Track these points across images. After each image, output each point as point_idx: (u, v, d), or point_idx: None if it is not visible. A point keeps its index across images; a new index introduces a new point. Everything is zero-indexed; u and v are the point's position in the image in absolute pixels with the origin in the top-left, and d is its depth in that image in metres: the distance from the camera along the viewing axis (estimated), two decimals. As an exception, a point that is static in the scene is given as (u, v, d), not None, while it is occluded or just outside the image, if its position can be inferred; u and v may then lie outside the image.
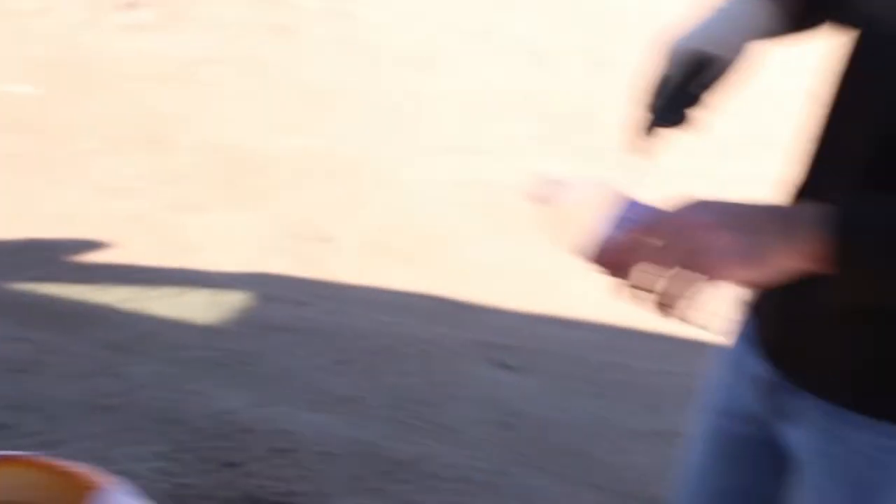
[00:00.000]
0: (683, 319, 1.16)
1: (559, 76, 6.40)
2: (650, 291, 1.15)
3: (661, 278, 1.14)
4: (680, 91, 1.41)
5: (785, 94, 5.40)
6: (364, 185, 4.63)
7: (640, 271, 1.14)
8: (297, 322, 3.71)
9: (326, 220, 4.39)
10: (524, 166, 5.10)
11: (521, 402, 3.43)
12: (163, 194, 4.38)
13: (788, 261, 1.13)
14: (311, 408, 3.28)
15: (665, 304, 1.14)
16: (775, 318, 1.41)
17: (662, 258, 1.13)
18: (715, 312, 1.16)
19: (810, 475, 1.39)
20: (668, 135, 1.43)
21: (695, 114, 1.42)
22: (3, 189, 4.23)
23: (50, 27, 5.93)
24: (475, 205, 4.68)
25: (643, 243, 1.14)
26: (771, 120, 5.67)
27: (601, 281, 1.19)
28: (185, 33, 6.16)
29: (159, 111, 5.12)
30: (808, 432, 1.37)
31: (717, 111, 1.45)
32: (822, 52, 1.41)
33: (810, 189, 1.37)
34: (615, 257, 1.17)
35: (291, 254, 4.10)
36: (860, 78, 1.31)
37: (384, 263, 4.15)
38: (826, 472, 1.37)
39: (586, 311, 3.89)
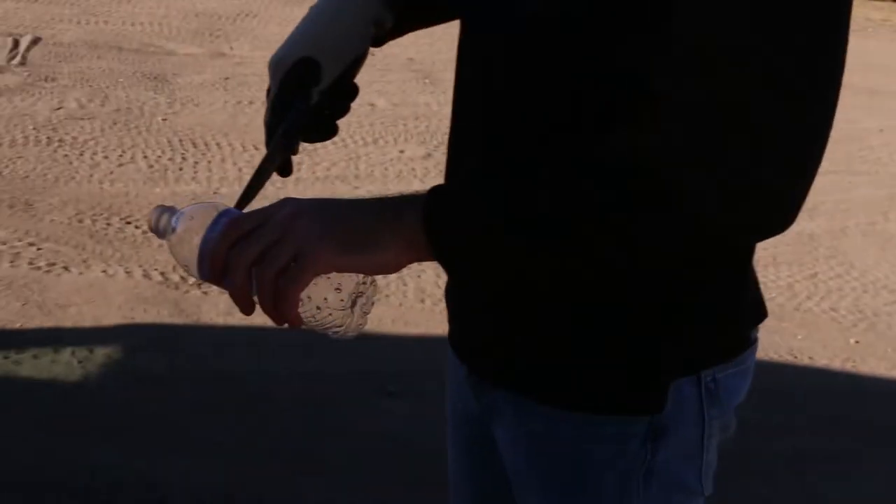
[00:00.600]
0: (305, 325, 1.09)
1: (447, 98, 6.37)
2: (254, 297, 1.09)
3: (257, 278, 1.08)
4: (282, 104, 1.35)
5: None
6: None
7: (237, 275, 1.08)
8: (168, 371, 3.63)
9: (200, 265, 4.30)
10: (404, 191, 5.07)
11: (409, 430, 3.38)
12: (27, 257, 4.28)
13: (395, 248, 1.09)
14: (183, 456, 3.21)
15: (275, 310, 1.08)
16: (454, 315, 1.42)
17: (248, 251, 1.08)
18: (338, 308, 1.11)
19: (515, 472, 1.38)
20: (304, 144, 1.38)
21: (320, 120, 1.37)
22: None
23: None
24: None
25: (230, 242, 1.09)
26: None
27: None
28: (53, 92, 6.05)
29: (24, 175, 5.02)
30: (506, 428, 1.36)
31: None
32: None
33: (449, 173, 1.36)
34: (213, 265, 1.11)
35: (163, 302, 4.03)
36: (468, 65, 1.32)
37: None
38: (525, 467, 1.36)
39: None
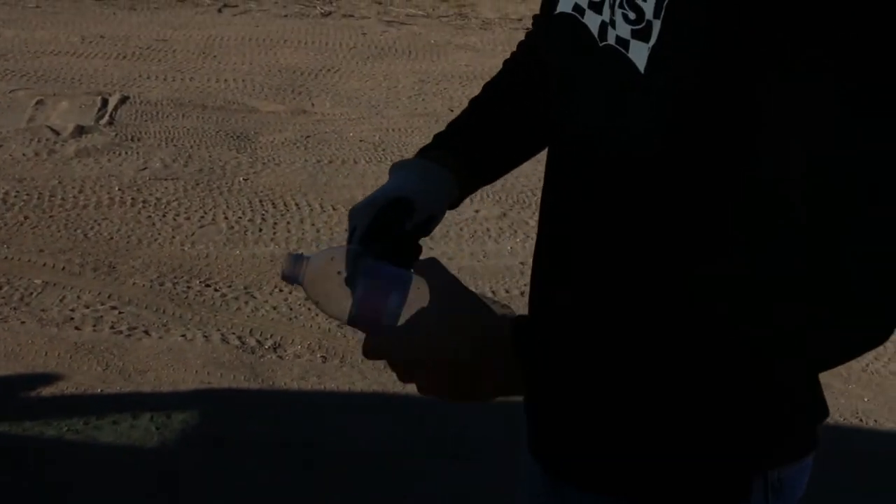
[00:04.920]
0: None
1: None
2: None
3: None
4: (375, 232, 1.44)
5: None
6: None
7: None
8: (243, 436, 3.72)
9: (276, 329, 4.40)
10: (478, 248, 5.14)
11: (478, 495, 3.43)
12: (109, 321, 4.41)
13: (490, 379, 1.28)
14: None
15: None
16: (533, 413, 1.47)
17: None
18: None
19: None
20: None
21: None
22: (-50, 331, 4.27)
23: (1, 164, 5.99)
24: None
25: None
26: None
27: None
28: (138, 152, 6.22)
29: (108, 237, 5.16)
30: None
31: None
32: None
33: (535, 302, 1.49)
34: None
35: (239, 367, 4.12)
36: (561, 193, 1.42)
37: (332, 367, 4.16)
38: None
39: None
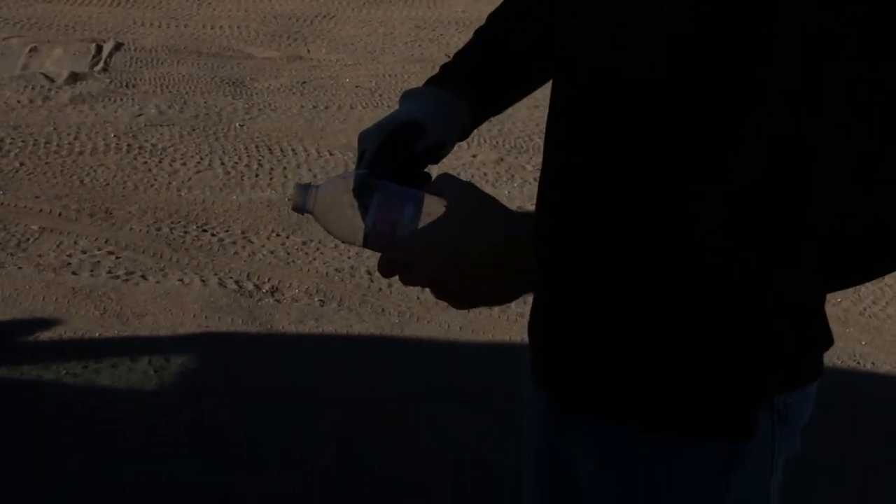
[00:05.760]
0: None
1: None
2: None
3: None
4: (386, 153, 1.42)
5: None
6: (316, 234, 4.64)
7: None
8: (242, 379, 3.72)
9: (274, 274, 4.40)
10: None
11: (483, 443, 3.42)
12: (106, 266, 4.40)
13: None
14: (257, 469, 3.29)
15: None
16: (539, 346, 1.47)
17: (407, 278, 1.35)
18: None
19: (596, 498, 1.42)
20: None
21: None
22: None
23: (-5, 110, 5.97)
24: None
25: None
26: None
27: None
28: (133, 99, 6.18)
29: (104, 182, 5.15)
30: (589, 456, 1.41)
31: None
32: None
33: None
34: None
35: (237, 311, 4.12)
36: (570, 121, 1.41)
37: (330, 311, 4.16)
38: (611, 491, 1.40)
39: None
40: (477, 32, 1.62)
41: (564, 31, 1.39)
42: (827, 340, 1.41)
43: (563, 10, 1.40)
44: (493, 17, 1.63)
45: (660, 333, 1.31)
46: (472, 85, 1.53)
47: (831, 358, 3.81)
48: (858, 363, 3.99)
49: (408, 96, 1.50)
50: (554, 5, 1.43)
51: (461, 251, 1.31)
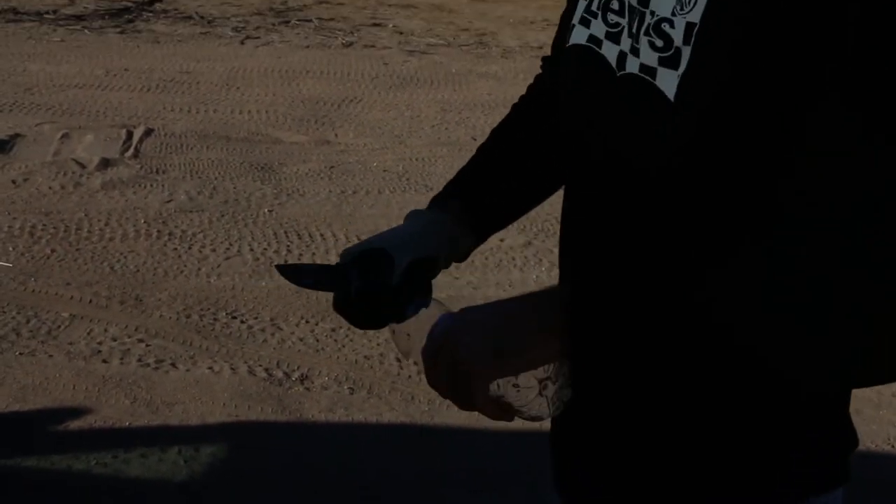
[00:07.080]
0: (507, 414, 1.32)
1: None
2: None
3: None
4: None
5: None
6: (345, 321, 4.63)
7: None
8: (271, 468, 3.71)
9: (303, 361, 4.40)
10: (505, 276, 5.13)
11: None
12: (136, 354, 4.42)
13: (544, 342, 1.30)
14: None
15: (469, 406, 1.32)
16: (561, 458, 1.47)
17: (431, 380, 1.35)
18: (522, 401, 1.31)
19: None
20: None
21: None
22: (-23, 365, 4.29)
23: (28, 197, 6.02)
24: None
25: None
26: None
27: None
28: (164, 185, 6.24)
29: (135, 269, 5.18)
30: None
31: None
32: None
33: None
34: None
35: (267, 399, 4.12)
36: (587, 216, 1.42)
37: (359, 399, 4.16)
38: None
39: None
40: (480, 148, 1.64)
41: (575, 133, 1.40)
42: (852, 440, 1.39)
43: (572, 112, 1.41)
44: (496, 132, 1.65)
45: (674, 431, 1.31)
46: (471, 207, 1.56)
47: (864, 442, 3.79)
48: (893, 447, 3.95)
49: (408, 217, 1.54)
50: (562, 108, 1.44)
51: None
